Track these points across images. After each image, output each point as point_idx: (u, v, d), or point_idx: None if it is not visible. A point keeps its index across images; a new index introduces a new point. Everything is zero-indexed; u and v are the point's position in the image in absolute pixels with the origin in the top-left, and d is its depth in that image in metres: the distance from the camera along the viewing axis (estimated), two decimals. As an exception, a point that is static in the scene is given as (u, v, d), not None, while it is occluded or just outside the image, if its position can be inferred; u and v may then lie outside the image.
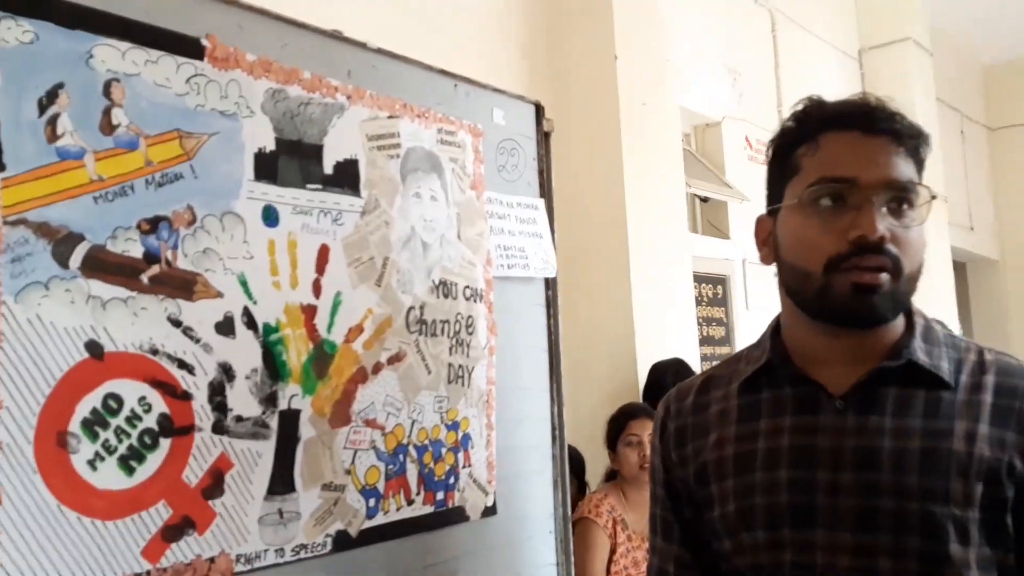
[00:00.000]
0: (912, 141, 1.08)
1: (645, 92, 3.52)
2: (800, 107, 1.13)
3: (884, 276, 1.03)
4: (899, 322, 1.11)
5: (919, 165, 1.09)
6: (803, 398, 1.11)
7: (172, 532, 1.13)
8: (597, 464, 3.11)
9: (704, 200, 4.38)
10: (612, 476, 3.05)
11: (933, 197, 1.08)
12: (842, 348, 1.10)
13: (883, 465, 1.04)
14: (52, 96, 1.05)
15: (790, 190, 1.11)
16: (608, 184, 3.38)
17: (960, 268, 7.26)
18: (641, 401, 3.20)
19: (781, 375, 1.14)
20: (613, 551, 2.84)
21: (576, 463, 3.02)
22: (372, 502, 1.37)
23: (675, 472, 1.22)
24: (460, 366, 1.54)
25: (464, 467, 1.53)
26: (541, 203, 1.74)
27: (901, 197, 1.05)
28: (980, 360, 1.10)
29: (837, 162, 1.06)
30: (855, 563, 1.04)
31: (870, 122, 1.06)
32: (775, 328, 1.17)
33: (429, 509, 1.47)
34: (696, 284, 3.95)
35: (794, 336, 1.14)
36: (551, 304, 1.76)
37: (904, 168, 1.06)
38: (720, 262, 4.34)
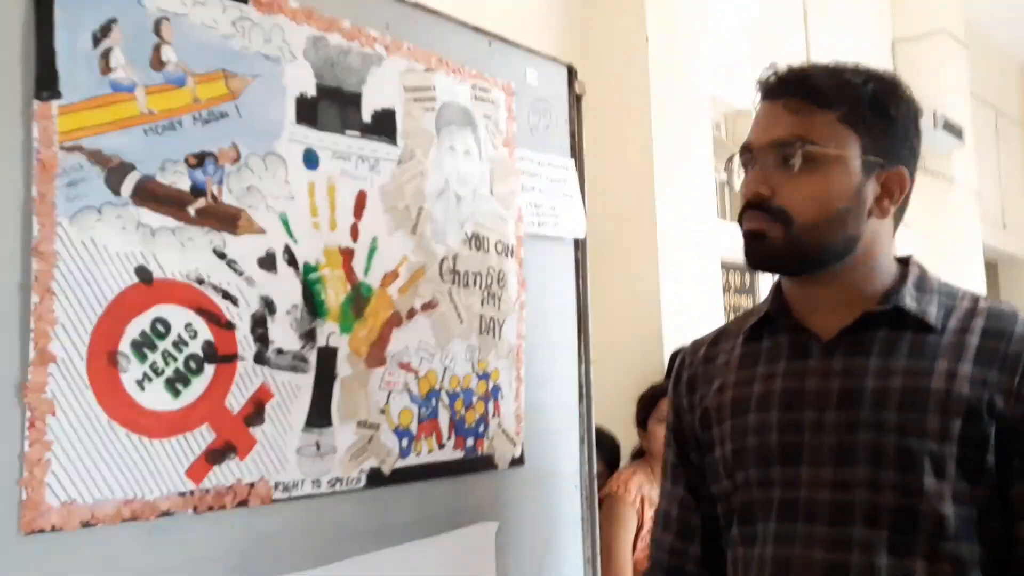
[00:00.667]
0: (824, 97, 1.12)
1: (676, 76, 3.54)
2: None
3: (769, 227, 1.13)
4: (889, 271, 1.19)
5: (855, 117, 1.13)
6: (796, 344, 1.19)
7: (215, 455, 1.17)
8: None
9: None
10: (639, 454, 3.07)
11: (811, 143, 1.11)
12: (823, 297, 1.18)
13: (864, 403, 1.10)
14: (105, 30, 1.10)
15: None
16: (638, 167, 3.40)
17: (992, 267, 7.19)
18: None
19: (780, 325, 1.23)
20: (640, 528, 2.87)
21: (610, 449, 3.03)
22: (405, 442, 1.41)
23: (684, 418, 1.32)
24: (491, 318, 1.58)
25: (493, 416, 1.57)
26: (572, 163, 1.77)
27: (785, 153, 1.12)
28: (973, 307, 1.15)
29: (750, 132, 1.18)
30: (834, 496, 1.10)
31: (770, 89, 1.16)
32: (778, 283, 1.26)
33: (459, 454, 1.50)
34: (724, 272, 3.96)
35: (787, 288, 1.24)
36: (580, 265, 1.79)
37: (792, 125, 1.12)
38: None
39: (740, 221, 1.18)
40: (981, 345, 1.10)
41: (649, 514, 2.86)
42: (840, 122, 1.13)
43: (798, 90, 1.13)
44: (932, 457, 1.06)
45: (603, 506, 2.67)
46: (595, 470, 1.78)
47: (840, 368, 1.14)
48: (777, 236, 1.13)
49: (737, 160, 1.21)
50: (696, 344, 1.36)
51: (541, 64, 1.72)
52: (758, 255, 1.17)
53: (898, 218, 1.21)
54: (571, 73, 1.79)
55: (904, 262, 1.21)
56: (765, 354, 1.23)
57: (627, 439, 3.10)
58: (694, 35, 3.68)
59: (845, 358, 1.14)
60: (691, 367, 1.33)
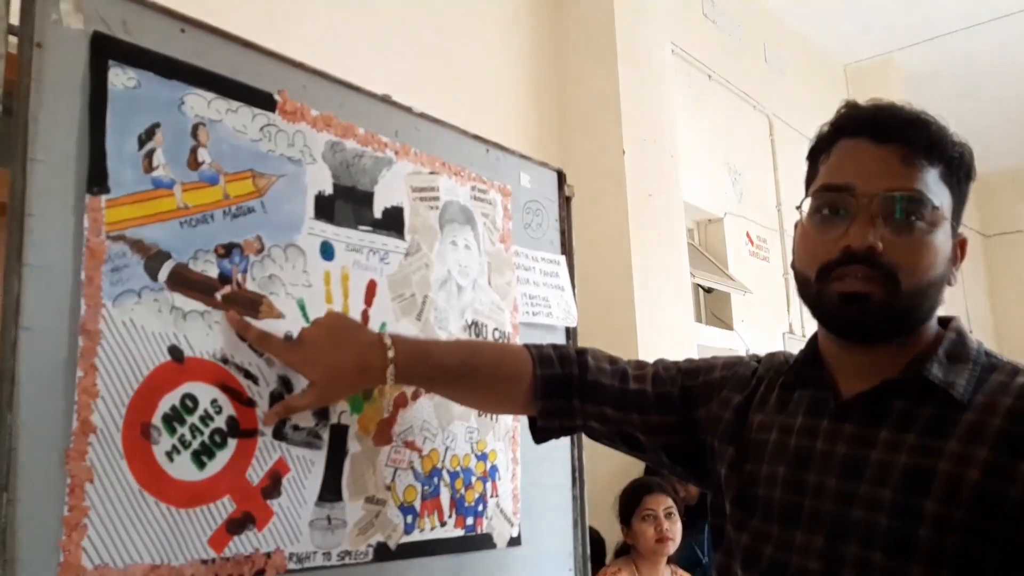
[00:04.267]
0: (933, 151, 1.05)
1: (651, 185, 3.74)
2: (838, 111, 1.14)
3: (875, 287, 1.02)
4: (928, 335, 1.10)
5: (951, 177, 1.07)
6: (816, 400, 1.14)
7: (235, 525, 1.24)
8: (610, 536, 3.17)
9: (708, 291, 4.55)
10: (624, 550, 3.10)
11: (935, 208, 1.05)
12: (855, 360, 1.11)
13: (865, 475, 1.03)
14: (150, 134, 1.22)
15: (808, 196, 1.13)
16: (617, 268, 3.55)
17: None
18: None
19: (812, 376, 1.16)
20: (625, 624, 2.89)
21: (594, 544, 3.07)
22: (410, 519, 1.48)
23: (712, 404, 1.29)
24: (489, 402, 1.66)
25: (492, 496, 1.64)
26: (563, 259, 1.89)
27: (906, 208, 1.03)
28: (1007, 382, 1.03)
29: (840, 170, 1.07)
30: (823, 568, 1.04)
31: (878, 129, 1.06)
32: (815, 335, 1.20)
33: (460, 532, 1.57)
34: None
35: (823, 341, 1.17)
36: (571, 353, 1.89)
37: (910, 178, 1.04)
38: (724, 353, 4.45)
39: (826, 273, 1.06)
40: (1005, 428, 0.98)
41: (635, 610, 2.88)
42: (941, 180, 1.06)
43: (913, 139, 1.04)
44: (925, 545, 0.97)
45: (590, 601, 2.70)
46: (588, 552, 1.84)
47: (849, 433, 1.07)
48: (881, 298, 1.03)
49: (808, 201, 1.11)
50: (779, 364, 1.26)
51: (533, 169, 1.87)
52: (856, 318, 1.05)
53: None
54: (561, 177, 1.93)
55: (945, 324, 1.12)
56: (792, 404, 1.17)
57: (615, 532, 3.15)
58: (667, 146, 3.89)
59: (858, 425, 1.07)
60: (758, 379, 1.26)
